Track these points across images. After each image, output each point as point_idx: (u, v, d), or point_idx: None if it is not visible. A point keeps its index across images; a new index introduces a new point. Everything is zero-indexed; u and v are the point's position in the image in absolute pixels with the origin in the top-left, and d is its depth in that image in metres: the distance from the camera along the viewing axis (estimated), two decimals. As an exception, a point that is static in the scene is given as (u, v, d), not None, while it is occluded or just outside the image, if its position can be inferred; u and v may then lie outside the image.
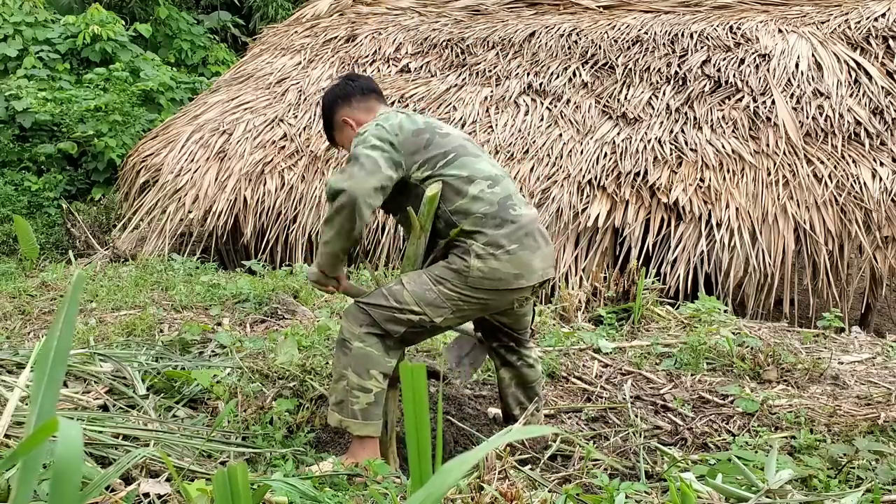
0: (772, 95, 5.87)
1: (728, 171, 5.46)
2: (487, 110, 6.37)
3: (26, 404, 2.09)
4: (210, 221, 6.15)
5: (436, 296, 2.29)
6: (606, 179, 5.56)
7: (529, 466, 2.30)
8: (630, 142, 5.77)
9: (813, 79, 5.94)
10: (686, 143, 5.70)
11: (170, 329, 3.72)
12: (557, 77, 6.52)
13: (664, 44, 6.58)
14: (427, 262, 2.41)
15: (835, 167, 5.35)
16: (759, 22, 6.65)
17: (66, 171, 8.80)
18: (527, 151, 5.91)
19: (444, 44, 7.20)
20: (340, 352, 2.33)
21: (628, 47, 6.64)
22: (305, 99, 6.92)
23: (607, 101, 6.22)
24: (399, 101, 6.66)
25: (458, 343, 2.81)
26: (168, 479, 1.86)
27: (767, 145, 5.57)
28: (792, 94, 5.86)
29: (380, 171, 2.23)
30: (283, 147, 6.49)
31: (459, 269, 2.29)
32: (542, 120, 6.16)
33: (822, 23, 6.50)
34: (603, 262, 5.29)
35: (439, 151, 2.36)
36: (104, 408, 2.50)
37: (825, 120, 5.64)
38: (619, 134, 5.88)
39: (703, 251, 5.14)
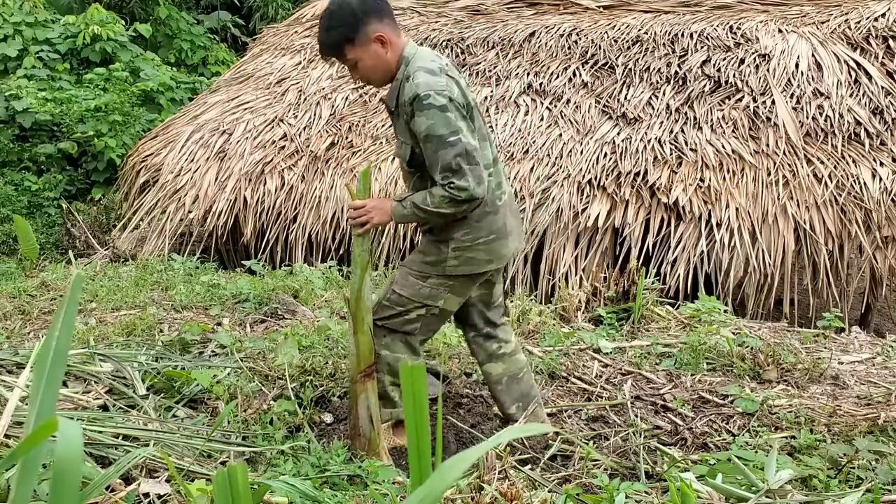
0: (772, 95, 5.87)
1: (728, 171, 5.45)
2: (487, 110, 6.37)
3: (26, 404, 2.08)
4: (210, 221, 6.15)
5: (429, 289, 2.44)
6: (606, 179, 5.55)
7: (529, 466, 2.30)
8: (630, 142, 5.76)
9: (813, 79, 5.93)
10: (686, 143, 5.70)
11: (170, 329, 3.72)
12: (557, 77, 6.52)
13: (664, 44, 6.57)
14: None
15: (835, 167, 5.35)
16: (759, 22, 6.64)
17: (66, 171, 8.80)
18: (527, 151, 5.91)
19: (444, 44, 7.20)
20: (377, 359, 2.48)
21: (628, 47, 6.64)
22: (305, 99, 6.92)
23: (607, 101, 6.22)
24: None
25: None
26: (168, 480, 1.86)
27: (767, 145, 5.56)
28: (792, 94, 5.86)
29: None
30: (283, 147, 6.49)
31: (435, 261, 2.42)
32: (542, 120, 6.16)
33: (822, 23, 6.50)
34: (603, 262, 5.29)
35: (479, 133, 2.40)
36: (104, 408, 2.50)
37: (825, 120, 5.64)
38: (619, 134, 5.88)
39: (703, 251, 5.13)
